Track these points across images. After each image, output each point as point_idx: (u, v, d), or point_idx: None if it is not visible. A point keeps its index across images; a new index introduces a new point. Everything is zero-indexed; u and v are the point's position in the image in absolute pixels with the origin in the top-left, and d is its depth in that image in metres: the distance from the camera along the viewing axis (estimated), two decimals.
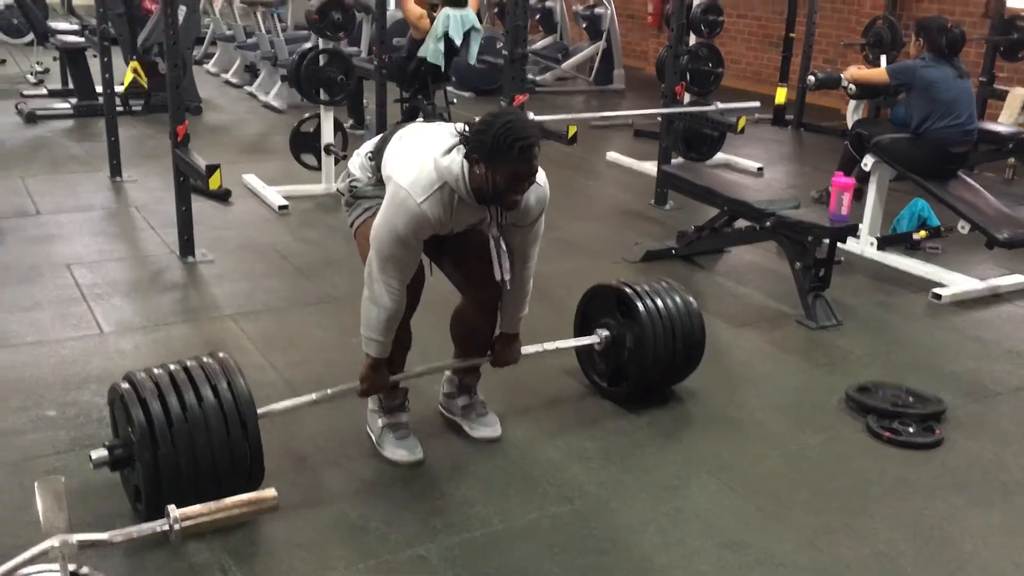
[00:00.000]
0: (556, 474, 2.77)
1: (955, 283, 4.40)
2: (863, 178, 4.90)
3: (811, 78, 5.24)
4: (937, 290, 4.30)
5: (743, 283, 4.47)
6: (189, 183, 4.40)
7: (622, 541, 2.48)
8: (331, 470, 2.75)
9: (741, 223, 4.55)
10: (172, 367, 2.45)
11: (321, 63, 5.47)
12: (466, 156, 2.39)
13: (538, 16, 10.06)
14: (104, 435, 2.84)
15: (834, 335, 3.88)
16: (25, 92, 7.97)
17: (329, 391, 2.75)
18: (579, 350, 3.31)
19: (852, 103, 5.69)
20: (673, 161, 5.90)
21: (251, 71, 8.98)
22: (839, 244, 4.11)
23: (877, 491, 2.77)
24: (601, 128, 7.70)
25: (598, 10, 9.67)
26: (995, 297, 4.37)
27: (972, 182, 4.72)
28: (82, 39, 7.48)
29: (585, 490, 2.70)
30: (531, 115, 5.19)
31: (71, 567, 1.52)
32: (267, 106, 8.12)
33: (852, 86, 5.02)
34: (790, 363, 3.65)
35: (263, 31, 8.41)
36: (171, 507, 1.66)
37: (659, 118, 5.85)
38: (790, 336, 3.87)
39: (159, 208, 5.11)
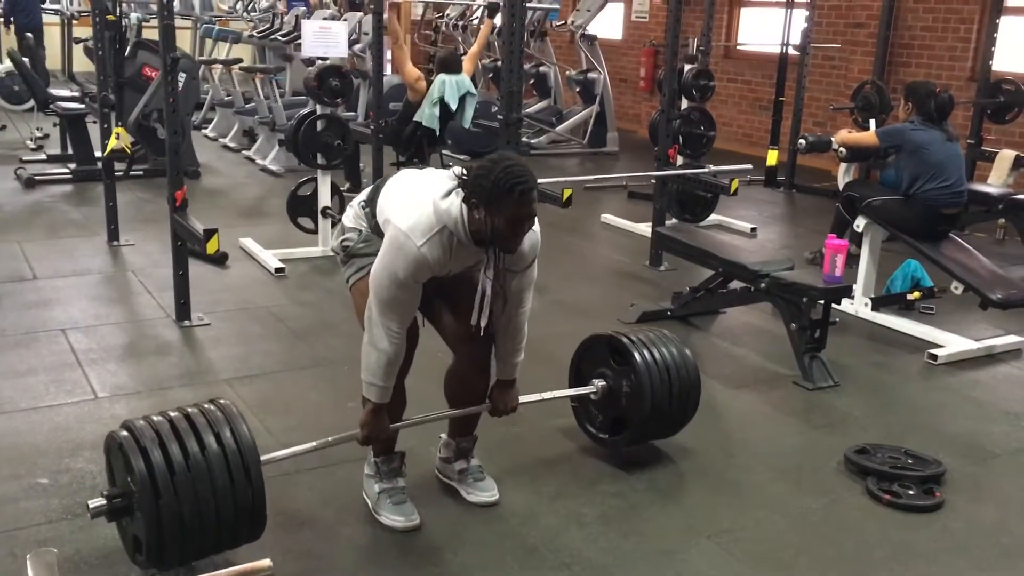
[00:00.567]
0: (554, 539, 2.74)
1: (950, 344, 4.41)
2: (856, 239, 4.95)
3: (802, 141, 5.32)
4: (933, 351, 4.31)
5: (739, 344, 4.48)
6: (186, 247, 4.42)
7: None
8: (327, 536, 2.71)
9: (736, 284, 4.57)
10: (172, 414, 2.41)
11: (319, 128, 5.54)
12: (464, 200, 2.41)
13: (532, 81, 10.22)
14: None
15: (831, 396, 3.88)
16: (24, 158, 8.04)
17: (330, 439, 2.73)
18: (575, 404, 3.30)
19: (843, 165, 5.77)
20: (667, 223, 5.95)
21: (249, 136, 9.09)
22: (834, 305, 4.12)
23: (880, 556, 2.74)
24: (595, 190, 7.77)
25: (591, 75, 9.83)
26: (990, 358, 4.38)
27: (964, 243, 4.76)
28: (82, 105, 7.57)
29: (584, 556, 2.66)
30: None
31: None
32: (265, 170, 8.19)
33: (842, 149, 5.10)
34: (788, 424, 3.64)
35: (262, 97, 8.52)
36: None
37: (653, 180, 5.91)
38: (787, 397, 3.86)
39: (156, 272, 5.12)
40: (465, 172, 2.43)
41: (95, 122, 6.50)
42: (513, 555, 2.66)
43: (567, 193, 4.96)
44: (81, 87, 9.35)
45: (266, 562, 1.71)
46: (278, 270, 5.27)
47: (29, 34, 9.92)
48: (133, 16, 10.03)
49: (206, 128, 9.86)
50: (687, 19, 7.79)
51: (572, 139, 9.92)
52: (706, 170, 6.06)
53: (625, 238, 6.46)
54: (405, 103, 6.40)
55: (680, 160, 6.41)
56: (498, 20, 6.49)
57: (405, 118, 6.26)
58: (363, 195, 2.75)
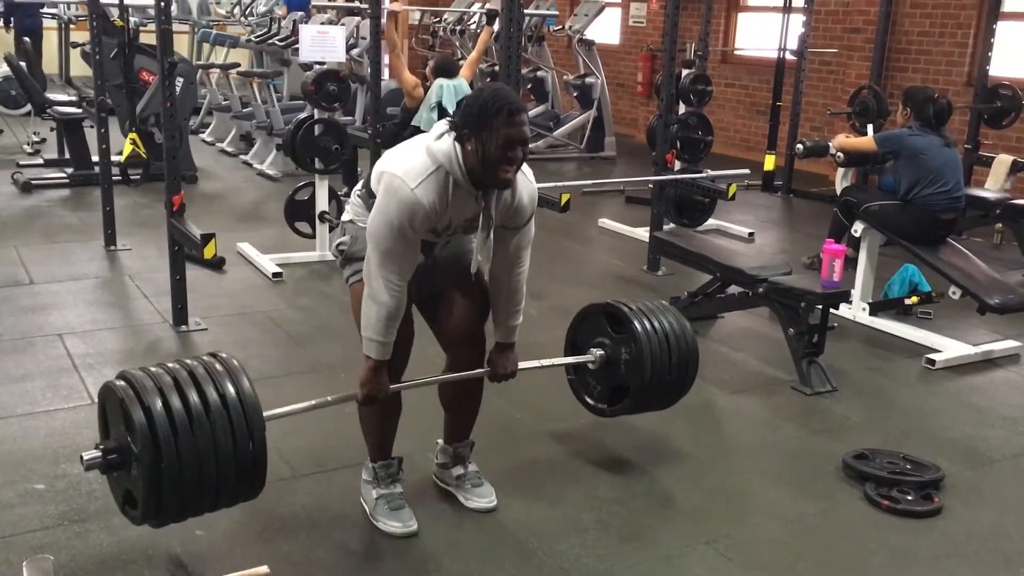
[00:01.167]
0: (552, 546, 2.73)
1: (948, 349, 4.41)
2: (853, 244, 4.95)
3: (799, 146, 5.32)
4: (931, 356, 4.30)
5: (737, 349, 4.48)
6: (184, 252, 4.42)
7: None
8: (324, 543, 2.70)
9: (734, 289, 4.57)
10: (171, 365, 2.32)
11: (316, 132, 5.54)
12: (457, 137, 2.42)
13: (530, 86, 10.23)
14: (94, 509, 2.81)
15: (829, 401, 3.87)
16: (21, 162, 8.02)
17: (329, 398, 2.66)
18: (572, 377, 3.27)
19: (840, 170, 5.77)
20: (665, 227, 5.95)
21: (246, 140, 9.08)
22: (832, 310, 4.12)
23: (878, 562, 2.73)
24: (593, 195, 7.78)
25: (589, 79, 9.84)
26: (988, 362, 4.38)
27: (962, 248, 4.76)
28: (79, 110, 7.57)
29: (582, 562, 2.66)
30: None
31: None
32: (262, 174, 8.19)
33: (840, 154, 5.10)
34: (786, 430, 3.63)
35: (259, 101, 8.52)
36: None
37: (651, 185, 5.91)
38: (786, 402, 3.86)
39: (153, 277, 5.11)
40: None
41: (92, 126, 6.49)
42: (511, 561, 2.65)
43: (565, 198, 4.96)
44: (78, 91, 9.33)
45: (263, 569, 1.70)
46: (275, 275, 5.27)
47: (27, 38, 9.92)
48: (131, 20, 10.03)
49: (203, 132, 9.86)
50: (684, 24, 7.81)
51: (570, 143, 9.93)
52: (704, 175, 6.06)
53: (623, 243, 6.46)
54: (403, 108, 6.39)
55: (678, 165, 6.41)
56: (497, 26, 6.50)
57: (403, 123, 6.26)
58: (360, 184, 2.75)
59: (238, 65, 9.38)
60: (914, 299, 4.80)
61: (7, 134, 9.47)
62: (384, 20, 5.88)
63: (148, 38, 8.83)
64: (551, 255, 4.72)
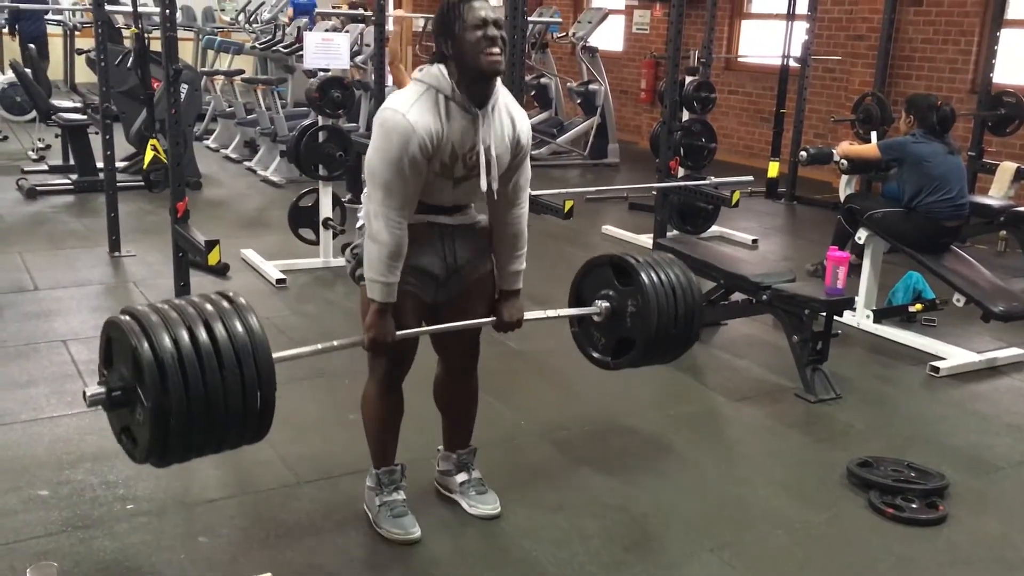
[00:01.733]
0: (557, 553, 2.72)
1: (953, 356, 4.40)
2: (857, 251, 4.94)
3: (803, 154, 5.32)
4: (935, 363, 4.30)
5: (741, 356, 4.47)
6: (188, 258, 4.43)
7: None
8: (328, 550, 2.70)
9: (737, 296, 4.57)
10: (177, 302, 2.24)
11: (320, 139, 5.55)
12: (439, 59, 2.46)
13: (533, 92, 10.24)
14: (98, 515, 2.82)
15: (833, 408, 3.87)
16: (26, 168, 8.04)
17: (335, 343, 2.59)
18: (576, 329, 3.21)
19: (844, 177, 5.77)
20: (669, 234, 5.95)
21: (250, 147, 9.10)
22: (836, 317, 4.12)
23: (883, 569, 2.73)
24: (596, 201, 7.78)
25: (592, 86, 9.85)
26: (993, 370, 4.37)
27: (966, 255, 4.76)
28: (84, 116, 7.59)
29: (586, 570, 2.65)
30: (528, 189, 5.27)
31: None
32: (266, 181, 8.20)
33: (844, 161, 5.10)
34: (790, 437, 3.63)
35: (263, 108, 8.54)
36: None
37: (654, 192, 5.92)
38: (789, 410, 3.85)
39: (157, 283, 5.12)
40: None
41: (97, 133, 6.51)
42: (515, 568, 2.65)
43: (569, 204, 4.97)
44: (83, 98, 9.36)
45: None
46: (279, 281, 5.27)
47: (32, 45, 9.95)
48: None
49: (208, 139, 9.88)
50: (688, 31, 7.81)
51: (573, 150, 9.94)
52: (707, 182, 6.06)
53: (626, 250, 6.42)
54: None
55: (681, 172, 6.41)
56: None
57: None
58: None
59: (242, 72, 9.40)
60: (918, 306, 4.79)
61: (12, 140, 9.49)
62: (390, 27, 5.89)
63: (154, 45, 8.89)
64: (554, 261, 4.73)
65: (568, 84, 10.26)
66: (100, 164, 6.19)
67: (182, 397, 2.09)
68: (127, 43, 7.91)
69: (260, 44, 10.20)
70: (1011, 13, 7.45)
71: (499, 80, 2.52)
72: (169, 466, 2.32)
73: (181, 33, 7.04)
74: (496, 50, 2.41)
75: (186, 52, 12.02)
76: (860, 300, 4.81)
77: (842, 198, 5.55)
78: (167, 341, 2.10)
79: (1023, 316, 4.33)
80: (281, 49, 9.57)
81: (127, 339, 2.13)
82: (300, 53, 7.23)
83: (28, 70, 8.24)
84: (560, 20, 10.41)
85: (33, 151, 8.84)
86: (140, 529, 2.76)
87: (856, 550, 2.82)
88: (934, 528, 2.95)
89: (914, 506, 3.02)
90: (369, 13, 8.78)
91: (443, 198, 2.57)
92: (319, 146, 5.55)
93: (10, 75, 9.41)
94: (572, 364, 3.72)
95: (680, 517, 2.99)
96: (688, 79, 6.79)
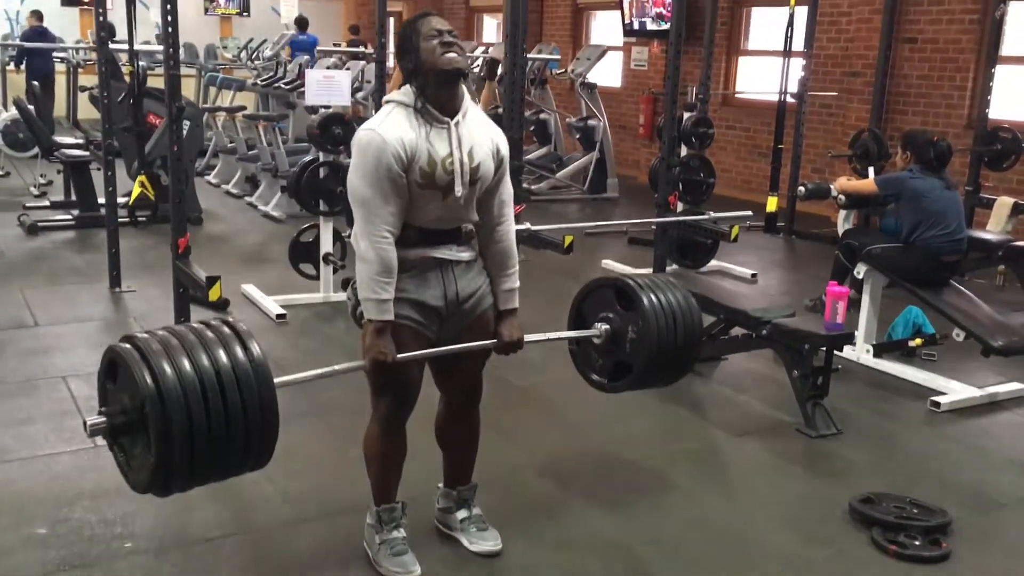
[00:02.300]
0: None
1: (953, 391, 4.39)
2: (856, 286, 4.95)
3: (801, 188, 5.36)
4: (936, 398, 4.29)
5: (741, 391, 4.47)
6: (188, 294, 4.43)
7: None
8: None
9: (737, 331, 4.57)
10: (178, 328, 2.24)
11: (321, 175, 5.58)
12: (405, 79, 2.56)
13: (533, 128, 10.32)
14: (95, 554, 2.80)
15: (835, 444, 3.86)
16: (28, 204, 8.08)
17: (337, 367, 2.58)
18: (573, 348, 3.20)
19: (842, 212, 5.80)
20: (668, 269, 5.97)
21: (251, 182, 9.15)
22: (836, 352, 4.12)
23: None
24: (596, 236, 7.80)
25: (591, 122, 9.93)
26: (993, 405, 4.36)
27: (965, 290, 4.77)
28: (87, 152, 7.63)
29: None
30: (528, 225, 5.29)
31: None
32: (267, 216, 8.23)
33: (842, 197, 5.12)
34: (792, 473, 3.61)
35: (265, 144, 8.60)
36: None
37: (654, 227, 5.94)
38: (790, 445, 3.84)
39: (157, 318, 5.11)
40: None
41: (99, 169, 6.55)
42: None
43: (568, 240, 4.99)
44: (86, 134, 9.42)
45: None
46: (279, 316, 5.27)
47: (35, 82, 10.04)
48: (139, 65, 10.15)
49: (209, 175, 9.94)
50: (686, 67, 7.89)
51: (572, 185, 9.99)
52: (706, 216, 6.09)
53: None
54: None
55: (680, 206, 6.44)
56: (499, 70, 6.56)
57: None
58: None
59: (244, 108, 9.47)
60: (918, 341, 4.79)
61: (14, 176, 9.54)
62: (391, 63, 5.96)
63: (154, 81, 8.97)
64: (554, 297, 4.73)
65: (567, 120, 10.34)
66: (101, 200, 6.23)
67: (184, 425, 2.08)
68: (129, 80, 8.00)
69: (262, 81, 10.29)
70: (1006, 50, 7.53)
71: (467, 96, 2.61)
72: (171, 495, 2.29)
73: (183, 70, 7.11)
74: (452, 52, 2.51)
75: (188, 88, 12.12)
76: (860, 335, 4.81)
77: (840, 233, 5.57)
78: (168, 368, 2.10)
79: (1023, 351, 4.33)
80: (282, 86, 9.66)
81: (128, 367, 2.12)
82: (302, 90, 7.30)
83: (32, 107, 8.31)
84: (559, 57, 10.52)
85: (35, 187, 8.88)
86: (138, 569, 2.75)
87: None
88: (938, 566, 2.93)
89: (917, 543, 3.00)
90: (370, 51, 8.87)
91: (436, 216, 2.58)
92: (320, 182, 5.57)
93: (13, 111, 9.47)
94: (573, 399, 3.73)
95: (682, 554, 2.97)
96: (686, 115, 6.84)
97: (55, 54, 12.65)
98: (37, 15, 12.45)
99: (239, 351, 2.20)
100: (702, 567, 2.89)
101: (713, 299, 4.59)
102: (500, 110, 7.28)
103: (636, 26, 11.24)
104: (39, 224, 7.28)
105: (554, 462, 3.55)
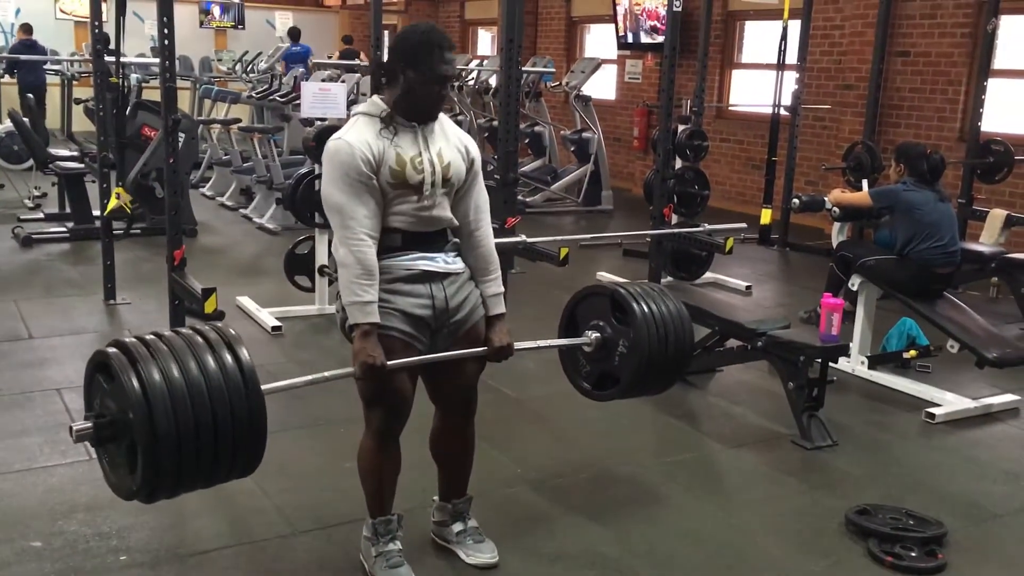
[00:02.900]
0: None
1: (948, 402, 4.40)
2: (851, 298, 4.97)
3: (795, 201, 5.37)
4: (930, 409, 4.30)
5: (736, 403, 4.47)
6: (184, 306, 4.43)
7: None
8: None
9: (732, 342, 4.58)
10: (166, 333, 2.23)
11: (316, 187, 5.59)
12: (383, 81, 2.59)
13: (528, 140, 10.35)
14: (91, 567, 2.79)
15: (830, 456, 3.86)
16: (22, 216, 8.07)
17: (327, 373, 2.57)
18: (564, 354, 3.21)
19: (836, 224, 5.82)
20: (663, 281, 5.98)
21: (246, 194, 9.15)
22: (831, 363, 4.13)
23: None
24: (591, 248, 7.81)
25: (586, 134, 9.96)
26: (988, 416, 4.37)
27: (959, 302, 4.79)
28: (81, 165, 7.63)
29: None
30: (523, 237, 5.30)
31: None
32: (262, 228, 8.23)
33: (836, 209, 5.14)
34: (787, 484, 3.62)
35: (260, 156, 8.61)
36: None
37: (648, 239, 5.96)
38: (786, 457, 3.84)
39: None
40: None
41: (94, 181, 6.55)
42: None
43: (564, 252, 5.00)
44: (80, 147, 9.42)
45: None
46: (275, 328, 5.27)
47: (30, 94, 10.04)
48: (133, 77, 10.16)
49: (203, 187, 9.94)
50: (680, 80, 7.90)
51: (567, 197, 10.01)
52: (701, 229, 6.11)
53: None
54: None
55: (675, 219, 6.46)
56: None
57: None
58: None
59: (239, 120, 9.48)
60: (912, 353, 4.81)
61: (8, 188, 9.53)
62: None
63: (149, 94, 8.98)
64: (549, 309, 4.71)
65: (562, 132, 10.37)
66: (96, 212, 6.23)
67: (171, 430, 2.07)
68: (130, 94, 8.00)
69: (257, 93, 10.31)
70: (998, 63, 7.58)
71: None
72: (156, 502, 2.28)
73: (179, 82, 7.13)
74: (443, 101, 2.61)
75: (183, 101, 12.12)
76: (855, 346, 4.83)
77: (834, 245, 5.59)
78: (155, 373, 2.10)
79: (1017, 362, 4.35)
80: (277, 98, 9.68)
81: (115, 371, 2.11)
82: (297, 102, 7.32)
83: (26, 119, 8.31)
84: (553, 70, 10.56)
85: (29, 199, 8.87)
86: None
87: None
88: None
89: (913, 554, 3.00)
90: (365, 63, 8.88)
91: (416, 218, 2.59)
92: (315, 194, 5.56)
93: (8, 124, 9.47)
94: (568, 411, 3.73)
95: (677, 566, 2.97)
96: (681, 127, 6.87)
97: (49, 67, 12.65)
98: (26, 28, 12.48)
99: (228, 357, 2.21)
100: None
101: (708, 311, 4.60)
102: (495, 122, 7.29)
103: (630, 39, 11.29)
104: (33, 236, 7.27)
105: (549, 474, 3.55)
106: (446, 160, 2.61)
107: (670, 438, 4.04)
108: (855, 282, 4.89)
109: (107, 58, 5.94)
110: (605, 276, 6.86)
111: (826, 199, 5.21)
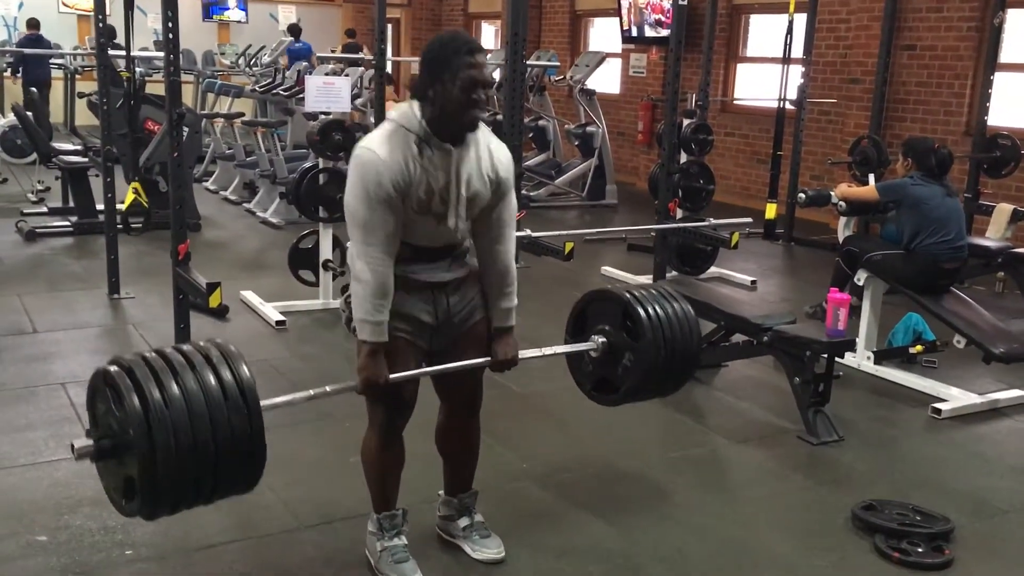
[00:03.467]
0: None
1: (954, 398, 4.39)
2: (857, 292, 4.95)
3: (801, 195, 5.35)
4: (937, 405, 4.29)
5: (742, 398, 4.46)
6: (188, 300, 4.42)
7: None
8: None
9: (738, 337, 4.56)
10: (166, 350, 2.24)
11: (321, 181, 5.58)
12: (417, 95, 2.47)
13: (531, 135, 10.32)
14: (96, 561, 2.79)
15: (836, 451, 3.85)
16: (25, 210, 8.07)
17: (328, 388, 2.56)
18: (571, 356, 3.19)
19: (842, 219, 5.80)
20: (668, 275, 5.97)
21: (250, 189, 9.14)
22: (837, 359, 4.11)
23: None
24: (595, 242, 7.80)
25: (590, 128, 9.93)
26: (994, 412, 4.36)
27: (965, 296, 4.77)
28: (85, 159, 7.63)
29: None
30: (528, 231, 5.29)
31: None
32: (265, 223, 8.22)
33: (842, 204, 5.12)
34: (793, 480, 3.61)
35: (263, 150, 8.59)
36: None
37: (653, 233, 5.95)
38: (792, 452, 3.83)
39: (156, 325, 5.11)
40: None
41: (97, 175, 6.54)
42: None
43: (569, 246, 4.99)
44: (83, 140, 9.41)
45: None
46: (279, 323, 5.26)
47: (33, 88, 10.04)
48: (137, 71, 10.15)
49: (207, 181, 9.93)
50: (685, 74, 7.89)
51: (571, 192, 9.99)
52: (706, 223, 6.09)
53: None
54: None
55: (680, 213, 6.45)
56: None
57: None
58: None
59: (242, 114, 9.47)
60: (919, 348, 4.79)
61: (12, 183, 9.53)
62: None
63: (153, 88, 8.97)
64: (554, 303, 4.73)
65: (566, 126, 10.34)
66: (100, 206, 6.22)
67: (170, 449, 2.09)
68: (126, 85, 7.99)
69: (260, 87, 10.29)
70: (1004, 57, 7.55)
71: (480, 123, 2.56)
72: (158, 519, 2.30)
73: (182, 76, 7.12)
74: (480, 110, 2.47)
75: (186, 95, 12.12)
76: (861, 341, 4.81)
77: (840, 239, 5.57)
78: (155, 392, 2.11)
79: (1023, 358, 4.33)
80: (281, 92, 9.66)
81: (115, 391, 2.13)
82: (300, 96, 7.30)
83: (30, 113, 8.30)
84: (558, 64, 10.53)
85: (33, 193, 8.87)
86: None
87: None
88: (940, 572, 2.93)
89: (920, 550, 2.99)
90: (369, 56, 8.87)
91: (430, 237, 2.57)
92: (319, 188, 5.57)
93: (11, 118, 9.47)
94: (573, 406, 3.72)
95: (684, 562, 2.96)
96: (686, 122, 6.85)
97: (52, 61, 12.65)
98: (33, 23, 12.47)
99: (228, 375, 2.21)
100: (703, 575, 2.88)
101: (714, 306, 4.58)
102: (499, 117, 7.28)
103: (635, 33, 11.26)
104: (37, 230, 7.27)
105: (555, 469, 3.54)
106: (473, 189, 2.53)
107: (676, 433, 4.03)
108: (861, 277, 4.87)
109: (117, 52, 5.96)
110: (610, 271, 6.85)
111: (832, 193, 5.19)
